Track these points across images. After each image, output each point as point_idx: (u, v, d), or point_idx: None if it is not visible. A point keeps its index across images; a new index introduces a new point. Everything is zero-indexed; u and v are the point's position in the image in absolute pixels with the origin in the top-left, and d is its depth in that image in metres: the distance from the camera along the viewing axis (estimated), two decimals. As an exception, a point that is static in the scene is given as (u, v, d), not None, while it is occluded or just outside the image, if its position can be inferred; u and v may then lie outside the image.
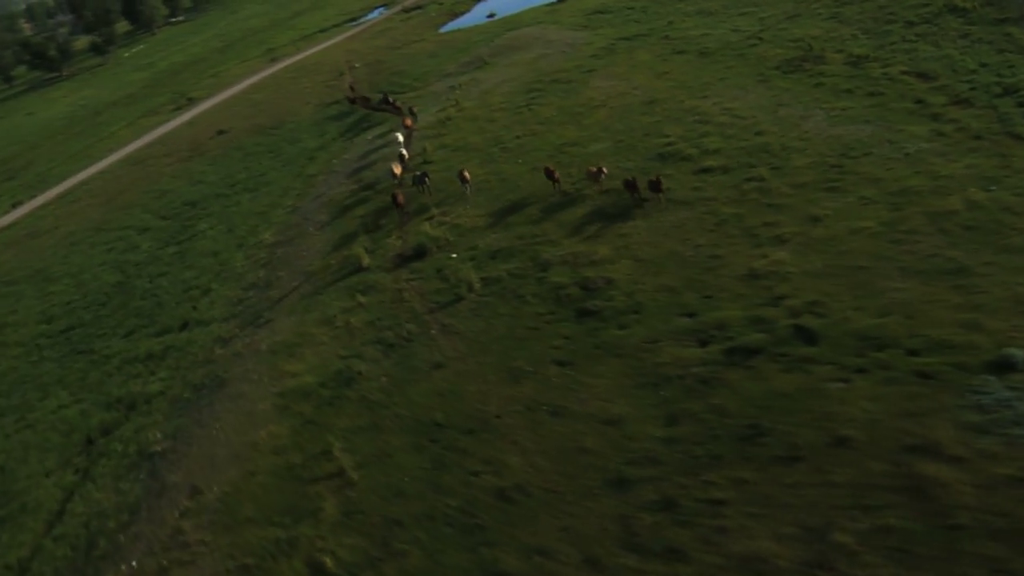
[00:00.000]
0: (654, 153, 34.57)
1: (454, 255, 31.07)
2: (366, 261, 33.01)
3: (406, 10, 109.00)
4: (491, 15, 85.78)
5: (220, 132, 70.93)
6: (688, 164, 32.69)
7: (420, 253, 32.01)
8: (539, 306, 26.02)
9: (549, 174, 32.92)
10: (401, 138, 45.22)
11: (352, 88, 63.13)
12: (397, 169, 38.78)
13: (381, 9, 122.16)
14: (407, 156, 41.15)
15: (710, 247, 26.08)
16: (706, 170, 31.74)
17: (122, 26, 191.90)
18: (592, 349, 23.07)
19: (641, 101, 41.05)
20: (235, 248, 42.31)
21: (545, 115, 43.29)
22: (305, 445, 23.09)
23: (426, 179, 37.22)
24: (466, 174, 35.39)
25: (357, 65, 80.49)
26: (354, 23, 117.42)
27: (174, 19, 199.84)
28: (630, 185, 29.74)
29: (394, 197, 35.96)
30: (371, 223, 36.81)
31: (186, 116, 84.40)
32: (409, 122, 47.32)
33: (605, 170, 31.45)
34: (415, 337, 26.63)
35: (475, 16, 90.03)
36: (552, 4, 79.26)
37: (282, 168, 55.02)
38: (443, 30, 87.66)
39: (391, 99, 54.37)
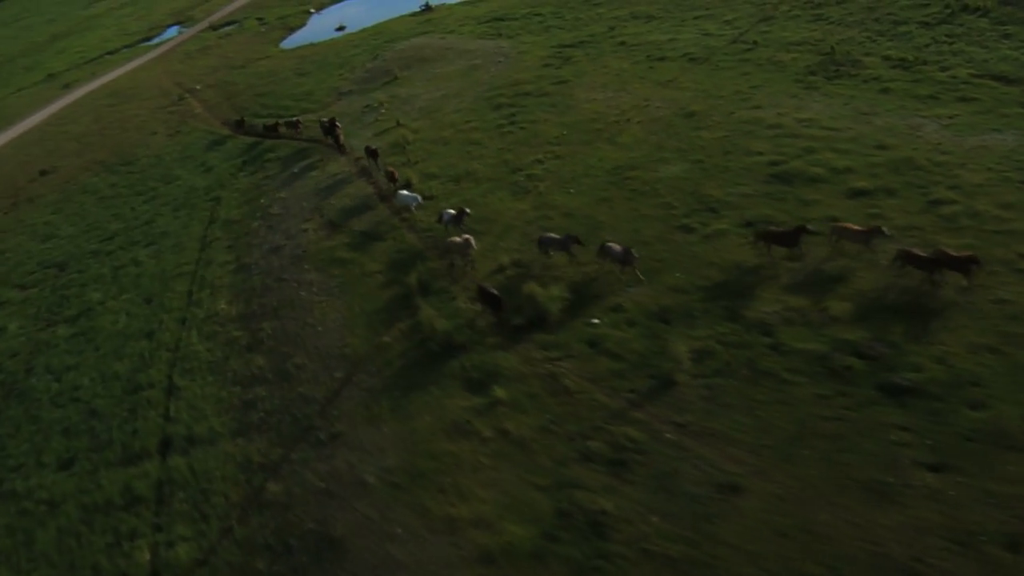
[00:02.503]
0: (764, 175, 28.44)
1: (595, 320, 22.57)
2: (457, 336, 23.98)
3: (214, 27, 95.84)
4: (340, 28, 75.79)
5: (43, 172, 55.93)
6: (826, 187, 26.61)
7: (539, 320, 23.08)
8: (811, 385, 18.77)
9: (771, 237, 23.70)
10: (412, 195, 33.41)
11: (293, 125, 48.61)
12: (463, 238, 28.67)
13: (177, 28, 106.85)
14: (464, 212, 30.29)
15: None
16: (861, 193, 25.91)
17: None
18: (962, 442, 15.98)
19: (674, 113, 35.15)
20: (176, 325, 30.55)
21: (550, 133, 35.82)
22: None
23: (463, 216, 28.89)
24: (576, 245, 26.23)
25: (199, 87, 67.31)
26: (149, 43, 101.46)
27: None
28: (917, 260, 21.07)
29: (454, 251, 26.54)
30: (418, 282, 27.00)
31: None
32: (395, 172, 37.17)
33: (887, 231, 22.51)
34: (646, 446, 18.21)
35: (317, 30, 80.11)
36: (417, 14, 71.03)
37: (173, 214, 42.75)
38: (287, 45, 76.28)
39: (335, 123, 43.54)
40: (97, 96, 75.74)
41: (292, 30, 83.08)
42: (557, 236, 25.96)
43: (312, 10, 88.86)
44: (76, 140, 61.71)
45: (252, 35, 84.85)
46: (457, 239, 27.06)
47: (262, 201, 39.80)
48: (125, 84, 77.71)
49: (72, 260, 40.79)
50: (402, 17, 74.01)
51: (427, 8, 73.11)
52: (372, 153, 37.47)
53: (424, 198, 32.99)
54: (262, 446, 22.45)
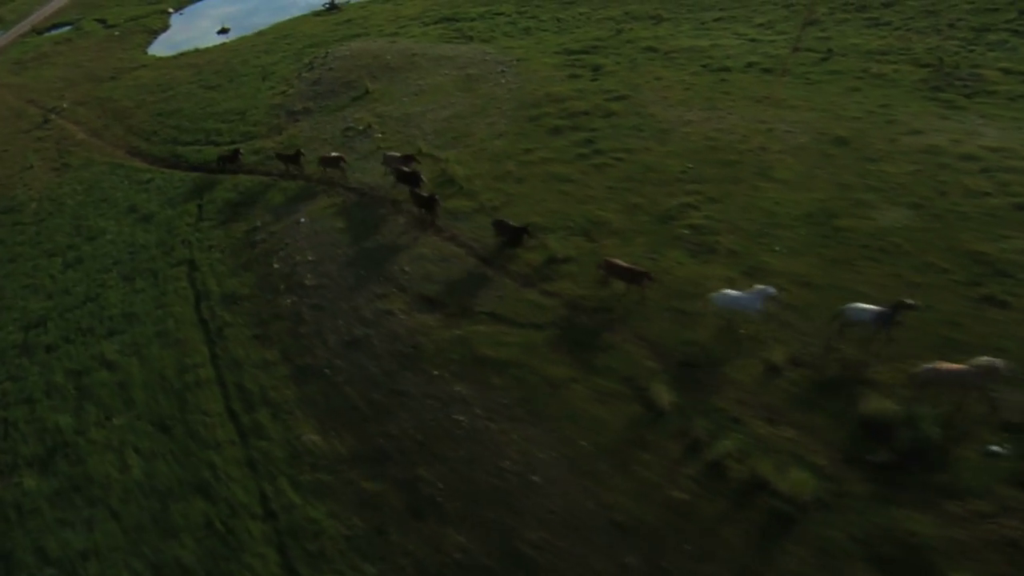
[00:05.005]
0: (1020, 220, 22.60)
1: (995, 448, 16.09)
2: (801, 488, 16.30)
3: (38, 31, 79.54)
4: (224, 30, 64.17)
5: None
6: None
7: (916, 454, 16.28)
8: None
9: None
10: (761, 290, 21.01)
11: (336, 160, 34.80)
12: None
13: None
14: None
15: None
16: None
17: None
18: None
19: (816, 140, 29.57)
20: (243, 472, 21.13)
21: (668, 167, 29.16)
22: None
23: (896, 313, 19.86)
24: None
25: (64, 106, 53.71)
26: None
27: None
28: None
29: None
30: (671, 390, 19.19)
31: None
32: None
33: None
34: None
35: (189, 33, 68.14)
36: (322, 13, 61.46)
37: (127, 285, 32.25)
38: (158, 51, 63.50)
39: (413, 163, 32.75)
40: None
41: (154, 33, 70.05)
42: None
43: (170, 10, 75.16)
44: (-86, 182, 46.35)
45: (102, 40, 70.35)
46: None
47: (275, 266, 29.53)
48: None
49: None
50: (305, 17, 63.55)
51: (332, 7, 62.73)
52: (430, 202, 28.76)
53: (551, 260, 24.68)
54: None
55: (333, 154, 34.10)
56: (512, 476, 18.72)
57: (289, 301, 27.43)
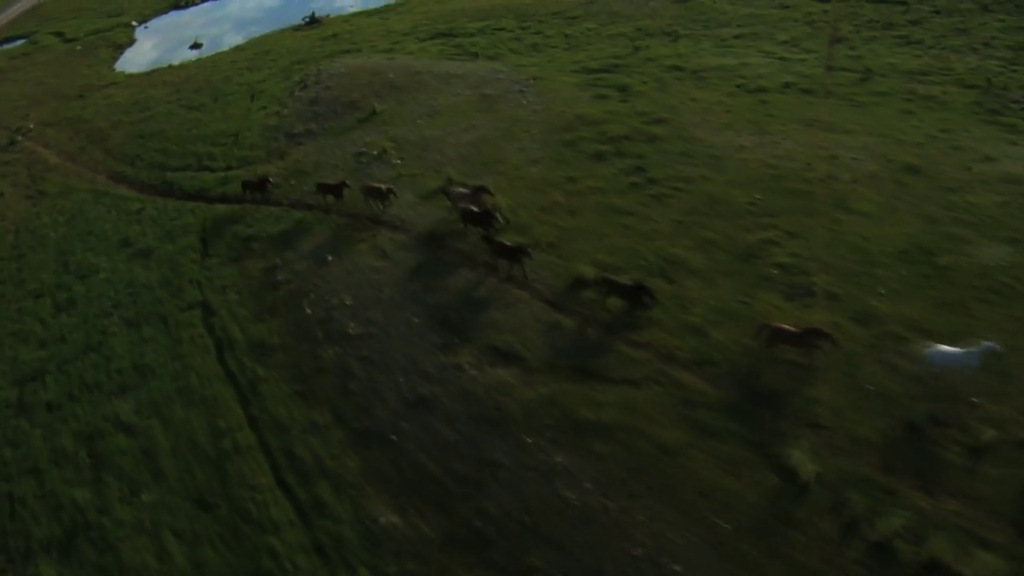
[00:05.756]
0: None
1: None
2: None
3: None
4: (196, 45, 60.81)
5: None
6: None
7: None
8: None
9: None
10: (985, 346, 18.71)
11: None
12: None
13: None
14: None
15: None
16: None
17: None
18: None
19: (885, 167, 28.15)
20: (311, 561, 18.04)
21: (733, 197, 27.66)
22: None
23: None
24: None
25: (31, 126, 49.98)
26: None
27: None
28: None
29: None
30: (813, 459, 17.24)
31: None
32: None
33: None
34: None
35: (160, 48, 64.08)
36: (302, 27, 58.65)
37: (131, 332, 29.52)
38: (127, 68, 59.96)
39: (483, 194, 29.08)
40: None
41: (120, 48, 66.16)
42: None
43: (134, 23, 71.12)
44: None
45: (62, 55, 66.25)
46: None
47: (307, 311, 26.79)
48: None
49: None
50: (285, 32, 60.41)
51: (313, 21, 59.79)
52: (516, 254, 25.45)
53: (702, 336, 22.51)
54: None
55: (380, 185, 30.84)
56: (648, 565, 16.44)
57: (332, 352, 24.68)
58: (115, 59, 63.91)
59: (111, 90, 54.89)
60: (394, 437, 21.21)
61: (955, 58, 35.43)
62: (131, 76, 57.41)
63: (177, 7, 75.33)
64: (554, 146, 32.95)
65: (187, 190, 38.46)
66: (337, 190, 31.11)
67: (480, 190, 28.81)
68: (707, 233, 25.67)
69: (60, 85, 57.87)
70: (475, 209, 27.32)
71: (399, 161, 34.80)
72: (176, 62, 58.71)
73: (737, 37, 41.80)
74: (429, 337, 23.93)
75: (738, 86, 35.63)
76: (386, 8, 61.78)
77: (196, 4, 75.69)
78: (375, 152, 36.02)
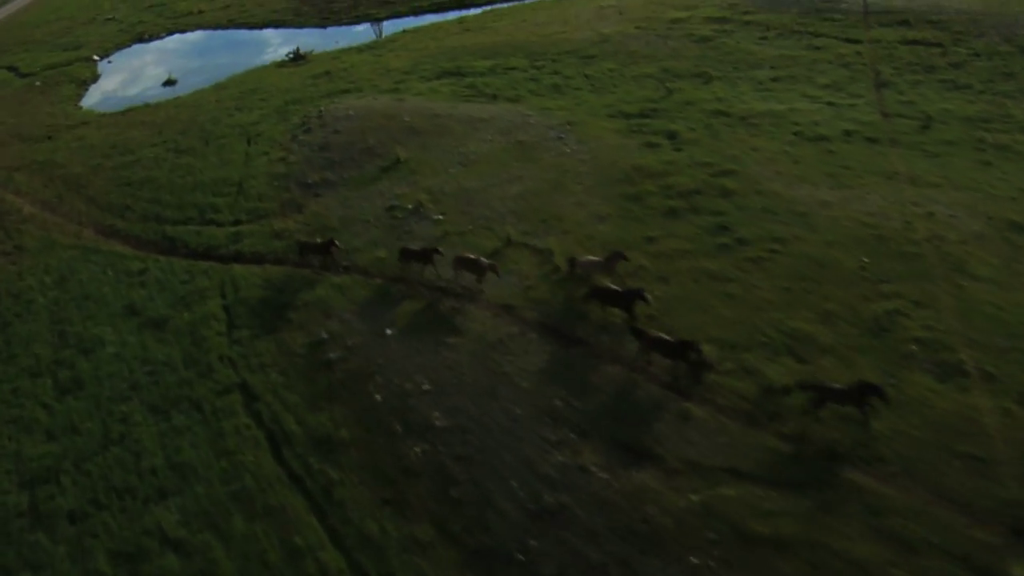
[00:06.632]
0: None
1: None
2: None
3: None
4: (170, 82, 57.06)
5: None
6: None
7: None
8: None
9: None
10: None
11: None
12: None
13: None
14: None
15: None
16: None
17: None
18: None
19: (989, 226, 26.67)
20: None
21: (838, 261, 25.92)
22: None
23: None
24: None
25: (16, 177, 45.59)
26: None
27: None
28: None
29: None
30: None
31: None
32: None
33: None
34: None
35: (130, 84, 60.20)
36: (286, 64, 55.29)
37: (159, 423, 26.05)
38: (95, 106, 55.74)
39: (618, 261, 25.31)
40: None
41: (83, 84, 61.49)
42: None
43: (96, 57, 66.59)
44: None
45: (19, 91, 61.55)
46: None
47: (376, 397, 23.62)
48: None
49: None
50: (268, 69, 56.88)
51: (298, 57, 56.53)
52: (680, 349, 21.29)
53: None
54: None
55: (480, 257, 26.85)
56: None
57: (419, 450, 21.53)
58: (80, 96, 59.37)
59: (82, 131, 50.56)
60: (522, 557, 18.07)
61: (1011, 104, 34.17)
62: (104, 115, 53.08)
63: (140, 40, 70.86)
64: (616, 200, 30.48)
65: (193, 247, 34.80)
66: (427, 256, 27.77)
67: (616, 256, 24.97)
68: (824, 303, 23.44)
69: (22, 124, 53.20)
70: (615, 288, 23.68)
71: (440, 217, 31.83)
72: (152, 101, 54.37)
73: (774, 80, 40.18)
74: (537, 431, 21.01)
75: (795, 134, 33.86)
76: (376, 44, 58.72)
77: (160, 37, 71.29)
78: (409, 206, 33.03)
